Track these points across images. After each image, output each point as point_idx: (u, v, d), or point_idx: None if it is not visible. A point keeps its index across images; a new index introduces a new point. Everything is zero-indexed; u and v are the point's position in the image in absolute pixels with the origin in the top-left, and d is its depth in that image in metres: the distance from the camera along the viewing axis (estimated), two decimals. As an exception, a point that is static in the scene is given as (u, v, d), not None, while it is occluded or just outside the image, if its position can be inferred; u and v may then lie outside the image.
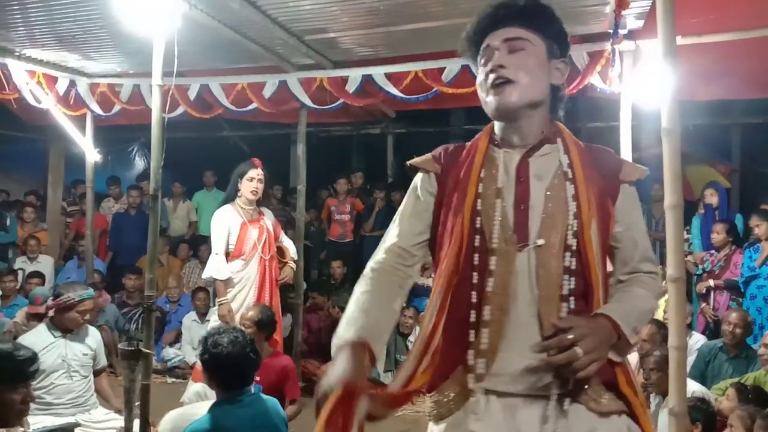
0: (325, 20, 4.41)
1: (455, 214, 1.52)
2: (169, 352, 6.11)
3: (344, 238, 7.50)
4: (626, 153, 4.20)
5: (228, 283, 4.50)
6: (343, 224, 7.50)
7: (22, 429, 3.00)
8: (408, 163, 1.69)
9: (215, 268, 4.47)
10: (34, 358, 2.55)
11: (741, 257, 5.41)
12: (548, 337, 1.35)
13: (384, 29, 4.54)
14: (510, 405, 1.43)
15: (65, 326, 3.71)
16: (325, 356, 5.80)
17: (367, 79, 5.15)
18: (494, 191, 1.50)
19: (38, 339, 3.59)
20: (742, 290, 5.30)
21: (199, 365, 3.79)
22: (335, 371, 1.33)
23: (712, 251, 5.64)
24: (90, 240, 6.64)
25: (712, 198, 6.05)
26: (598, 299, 1.45)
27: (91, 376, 3.82)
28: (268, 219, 4.72)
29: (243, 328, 3.55)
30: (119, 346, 3.81)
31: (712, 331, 5.32)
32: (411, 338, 5.48)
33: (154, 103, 3.69)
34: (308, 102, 5.44)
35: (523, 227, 1.46)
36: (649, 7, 3.92)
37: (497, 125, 1.57)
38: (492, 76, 1.48)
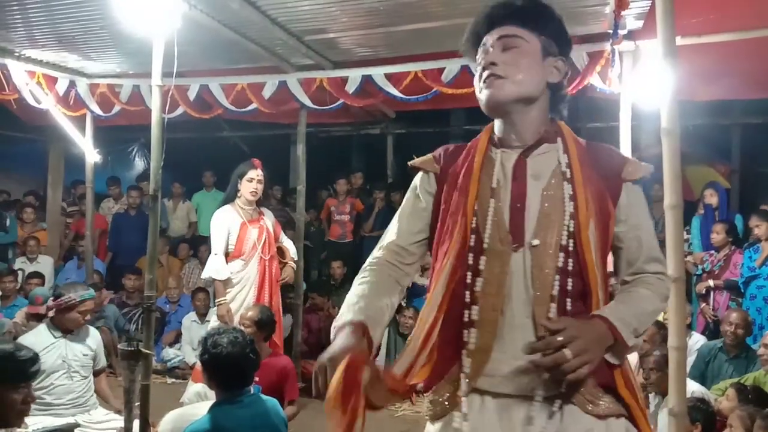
0: (324, 21, 4.41)
1: (454, 213, 1.52)
2: (169, 353, 6.11)
3: (344, 239, 7.50)
4: (626, 153, 4.20)
5: (227, 283, 4.50)
6: (342, 224, 7.51)
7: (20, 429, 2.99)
8: (409, 163, 1.70)
9: (214, 268, 4.48)
10: (35, 358, 2.55)
11: (740, 257, 5.41)
12: (540, 338, 1.34)
13: (384, 29, 4.54)
14: (504, 406, 1.43)
15: (66, 327, 3.71)
16: (325, 357, 5.81)
17: (367, 80, 5.15)
18: (489, 191, 1.50)
19: (38, 339, 3.59)
20: (742, 290, 5.30)
21: (198, 365, 3.80)
22: (335, 346, 1.36)
23: (712, 251, 5.64)
24: (90, 240, 6.64)
25: (711, 198, 6.05)
26: (598, 300, 1.44)
27: (91, 377, 3.82)
28: (268, 219, 4.72)
29: (242, 328, 3.56)
30: (119, 346, 3.81)
31: (712, 331, 5.32)
32: (411, 339, 5.47)
33: (154, 103, 3.69)
34: (308, 102, 5.44)
35: (519, 227, 1.46)
36: (648, 8, 3.92)
37: (496, 125, 1.58)
38: (485, 73, 1.50)
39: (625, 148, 4.23)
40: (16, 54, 5.37)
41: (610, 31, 3.99)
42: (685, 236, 5.96)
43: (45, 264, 7.06)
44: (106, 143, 7.23)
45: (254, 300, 4.49)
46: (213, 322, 4.54)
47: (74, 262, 7.44)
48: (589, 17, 4.17)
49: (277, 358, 4.20)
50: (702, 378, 4.44)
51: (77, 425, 3.57)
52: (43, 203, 8.27)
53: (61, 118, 5.90)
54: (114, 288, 6.89)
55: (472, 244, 1.48)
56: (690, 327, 5.01)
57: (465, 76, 4.69)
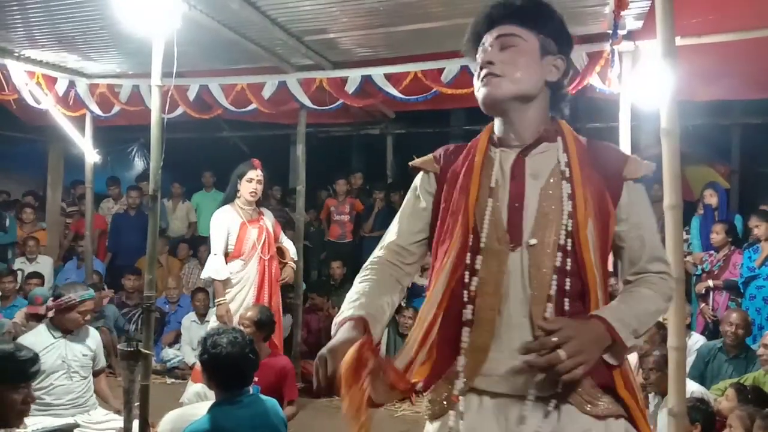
0: (324, 21, 4.41)
1: (455, 213, 1.53)
2: (169, 353, 6.11)
3: (344, 239, 7.50)
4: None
5: (227, 283, 4.50)
6: (342, 225, 7.51)
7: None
8: (410, 164, 1.70)
9: (214, 268, 4.48)
10: (35, 358, 2.55)
11: (740, 257, 5.41)
12: (537, 338, 1.34)
13: (383, 30, 4.54)
14: (502, 406, 1.43)
15: (65, 327, 3.71)
16: (325, 357, 5.81)
17: (367, 80, 5.15)
18: (487, 190, 1.50)
19: (38, 339, 3.58)
20: (742, 291, 5.30)
21: (198, 366, 3.79)
22: (335, 339, 1.37)
23: (712, 252, 5.64)
24: (89, 240, 6.64)
25: (711, 198, 6.05)
26: (597, 300, 1.44)
27: (91, 377, 3.82)
28: (268, 219, 4.72)
29: (242, 329, 3.56)
30: (118, 346, 3.81)
31: (711, 331, 5.32)
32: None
33: (154, 103, 3.69)
34: (308, 102, 5.44)
35: (517, 226, 1.46)
36: (648, 8, 3.92)
37: (496, 124, 1.58)
38: (482, 72, 1.51)
39: (625, 149, 4.23)
40: (16, 54, 5.37)
41: (610, 32, 3.99)
42: (685, 236, 5.97)
43: (44, 264, 7.06)
44: (106, 143, 7.23)
45: (254, 300, 4.49)
46: (213, 322, 4.54)
47: (74, 263, 7.44)
48: (589, 17, 4.17)
49: (276, 359, 4.20)
50: (701, 378, 4.44)
51: (77, 425, 3.56)
52: (43, 203, 8.27)
53: (60, 118, 5.90)
54: (114, 288, 6.88)
55: (470, 243, 1.48)
56: (689, 327, 5.01)
57: (465, 76, 4.69)
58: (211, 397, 2.99)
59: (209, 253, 4.61)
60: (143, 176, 7.95)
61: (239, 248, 4.52)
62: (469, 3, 3.87)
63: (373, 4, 4.06)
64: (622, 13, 3.67)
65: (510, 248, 1.45)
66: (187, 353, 5.89)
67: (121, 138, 9.58)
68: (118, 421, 3.59)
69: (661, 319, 4.01)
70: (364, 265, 1.65)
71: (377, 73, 5.08)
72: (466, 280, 1.46)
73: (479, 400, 1.45)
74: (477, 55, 1.56)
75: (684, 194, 2.65)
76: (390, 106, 6.86)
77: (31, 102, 5.66)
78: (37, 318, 4.30)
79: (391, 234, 1.66)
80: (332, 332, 1.44)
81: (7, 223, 7.24)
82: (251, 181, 4.56)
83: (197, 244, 7.41)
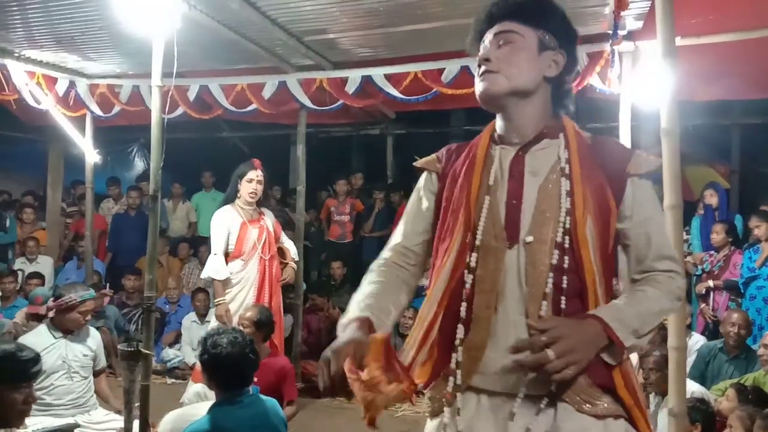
0: (324, 21, 4.42)
1: (455, 211, 1.53)
2: (169, 353, 6.11)
3: (344, 239, 7.50)
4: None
5: (227, 283, 4.50)
6: (342, 225, 7.51)
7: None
8: (414, 164, 1.71)
9: (214, 268, 4.48)
10: (36, 358, 2.55)
11: (740, 258, 5.41)
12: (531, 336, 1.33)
13: (383, 30, 4.54)
14: (498, 404, 1.43)
15: (66, 327, 3.71)
16: (325, 357, 5.82)
17: (367, 80, 5.15)
18: (486, 188, 1.50)
19: (39, 340, 3.58)
20: (742, 291, 5.30)
21: (198, 366, 3.79)
22: (339, 339, 1.38)
23: (712, 252, 5.64)
24: (89, 241, 6.64)
25: (711, 198, 6.05)
26: (596, 298, 1.42)
27: (91, 377, 3.82)
28: (269, 219, 4.72)
29: (241, 329, 3.56)
30: (119, 346, 3.81)
31: (712, 331, 5.33)
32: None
33: (154, 103, 3.69)
34: (308, 103, 5.44)
35: (515, 224, 1.45)
36: (648, 8, 3.92)
37: (497, 122, 1.58)
38: (480, 69, 1.51)
39: (626, 148, 4.23)
40: (16, 54, 5.37)
41: (610, 32, 3.99)
42: (685, 236, 5.97)
43: (45, 264, 7.06)
44: (106, 143, 7.23)
45: (254, 300, 4.48)
46: (213, 322, 4.54)
47: (74, 263, 7.44)
48: (589, 18, 4.17)
49: (275, 359, 4.20)
50: (702, 378, 4.44)
51: (77, 425, 3.56)
52: (43, 203, 8.27)
53: (60, 118, 5.90)
54: (114, 288, 6.88)
55: (467, 240, 1.48)
56: (690, 327, 5.01)
57: (465, 76, 4.69)
58: (212, 397, 2.99)
59: (209, 253, 4.61)
60: (143, 176, 7.95)
61: (239, 248, 4.52)
62: (469, 3, 3.87)
63: (373, 4, 4.06)
64: (622, 13, 3.67)
65: (507, 246, 1.45)
66: (188, 353, 5.89)
67: (121, 138, 9.58)
68: (119, 421, 3.59)
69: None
70: (370, 266, 1.65)
71: (377, 73, 5.08)
72: (465, 278, 1.46)
73: (477, 398, 1.45)
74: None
75: (684, 194, 2.65)
76: (390, 106, 6.86)
77: (31, 102, 5.66)
78: (38, 318, 4.31)
79: (396, 235, 1.67)
80: (338, 332, 1.44)
81: (8, 223, 7.23)
82: (251, 182, 4.57)
83: (197, 245, 7.42)
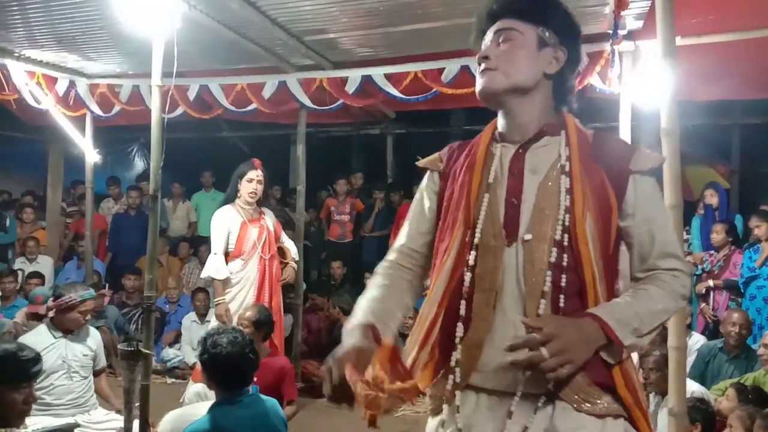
0: (324, 21, 4.42)
1: (455, 210, 1.52)
2: (169, 353, 6.11)
3: (344, 239, 7.50)
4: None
5: (227, 282, 4.50)
6: (342, 225, 7.51)
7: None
8: (416, 163, 1.71)
9: (213, 267, 4.48)
10: (37, 358, 2.55)
11: (740, 257, 5.41)
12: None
13: (383, 30, 4.54)
14: (496, 402, 1.42)
15: (66, 327, 3.71)
16: (325, 357, 5.81)
17: (367, 80, 5.15)
18: (485, 186, 1.50)
19: (39, 339, 3.58)
20: (742, 291, 5.31)
21: (198, 366, 3.80)
22: (342, 346, 1.38)
23: (712, 251, 5.64)
24: (89, 240, 6.64)
25: (712, 198, 6.06)
26: (596, 297, 1.40)
27: (91, 377, 3.82)
28: (269, 219, 4.72)
29: (241, 329, 3.56)
30: (119, 346, 3.81)
31: (712, 331, 5.33)
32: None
33: (154, 103, 3.69)
34: (308, 102, 5.44)
35: (514, 222, 1.44)
36: (648, 8, 3.92)
37: (498, 119, 1.57)
38: (480, 67, 1.51)
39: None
40: (16, 54, 5.37)
41: (610, 32, 3.99)
42: (685, 236, 5.98)
43: (45, 264, 7.06)
44: (106, 143, 7.22)
45: (254, 300, 4.48)
46: (213, 322, 4.54)
47: (74, 263, 7.44)
48: (589, 17, 4.17)
49: (275, 359, 4.19)
50: (702, 378, 4.44)
51: (77, 425, 3.56)
52: (43, 203, 8.27)
53: (60, 118, 5.90)
54: (114, 288, 6.89)
55: (467, 239, 1.48)
56: (690, 327, 5.01)
57: (465, 76, 4.69)
58: (212, 397, 2.99)
59: (209, 252, 4.61)
60: (143, 176, 7.95)
61: (239, 248, 4.52)
62: (469, 3, 3.87)
63: (373, 4, 4.06)
64: (622, 13, 3.67)
65: (506, 244, 1.44)
66: (188, 353, 5.89)
67: (121, 138, 9.58)
68: (119, 421, 3.59)
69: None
70: (376, 268, 1.66)
71: (377, 73, 5.08)
72: (465, 276, 1.46)
73: (476, 397, 1.45)
74: None
75: (684, 194, 2.65)
76: (390, 106, 6.86)
77: (31, 102, 5.66)
78: (38, 317, 4.31)
79: (401, 236, 1.67)
80: (342, 338, 1.44)
81: (8, 223, 7.24)
82: (251, 182, 4.56)
83: (197, 244, 7.42)
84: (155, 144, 3.63)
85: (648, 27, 4.07)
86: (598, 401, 1.38)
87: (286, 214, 7.01)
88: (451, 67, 4.82)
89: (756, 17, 3.99)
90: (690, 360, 4.42)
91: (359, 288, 6.69)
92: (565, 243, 1.40)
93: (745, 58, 4.54)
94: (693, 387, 3.71)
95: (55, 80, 5.85)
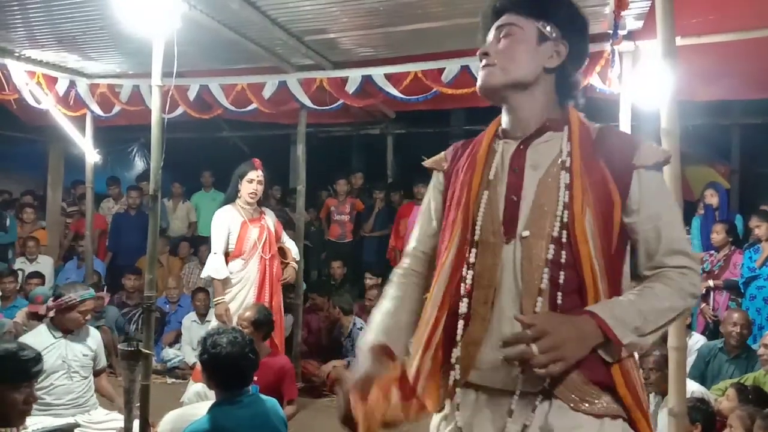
0: (324, 21, 4.42)
1: (455, 207, 1.52)
2: (169, 353, 6.11)
3: (344, 239, 7.50)
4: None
5: (227, 282, 4.50)
6: (342, 224, 7.51)
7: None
8: (423, 163, 1.72)
9: (213, 267, 4.48)
10: (38, 358, 2.55)
11: (740, 257, 5.41)
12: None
13: (384, 30, 4.54)
14: (494, 400, 1.42)
15: (66, 327, 3.70)
16: (325, 357, 5.84)
17: (367, 80, 5.15)
18: (485, 183, 1.49)
19: (39, 339, 3.58)
20: (742, 291, 5.31)
21: (198, 365, 3.80)
22: (355, 372, 1.42)
23: (712, 251, 5.64)
24: (89, 240, 6.64)
25: (712, 198, 6.06)
26: (597, 294, 1.37)
27: (91, 377, 3.81)
28: (270, 218, 4.72)
29: (240, 329, 3.56)
30: (119, 346, 3.81)
31: (712, 331, 5.33)
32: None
33: (154, 103, 3.69)
34: (308, 102, 5.44)
35: (513, 219, 1.43)
36: (648, 8, 3.92)
37: (502, 116, 1.56)
38: (481, 64, 1.52)
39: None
40: (16, 54, 5.37)
41: (610, 32, 3.99)
42: (685, 236, 5.96)
43: (45, 264, 7.06)
44: (106, 143, 7.23)
45: (254, 299, 4.48)
46: (213, 322, 4.54)
47: (74, 262, 7.44)
48: (589, 17, 4.09)
49: (275, 358, 4.19)
50: (702, 378, 4.44)
51: (77, 425, 3.57)
52: (43, 203, 8.27)
53: (61, 118, 5.90)
54: (114, 288, 6.89)
55: (467, 237, 1.47)
56: (690, 327, 5.01)
57: (465, 76, 4.69)
58: (212, 396, 2.99)
59: (210, 252, 4.61)
60: (143, 176, 7.95)
61: (240, 247, 4.52)
62: (469, 3, 3.87)
63: (373, 4, 4.06)
64: (622, 13, 3.68)
65: (504, 241, 1.43)
66: (188, 353, 5.89)
67: (121, 138, 9.59)
68: (119, 421, 3.59)
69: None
70: (391, 275, 1.68)
71: (377, 73, 5.08)
72: (464, 273, 1.46)
73: (476, 395, 1.44)
74: None
75: (684, 194, 2.66)
76: (390, 106, 6.86)
77: (31, 102, 5.66)
78: (38, 317, 4.31)
79: (412, 239, 1.68)
80: (357, 356, 1.48)
81: (8, 222, 7.24)
82: (252, 182, 4.56)
83: (198, 244, 7.42)
84: (155, 144, 3.63)
85: (648, 27, 4.07)
86: (596, 401, 1.36)
87: (286, 214, 7.01)
88: (451, 67, 4.82)
89: (756, 17, 3.99)
90: (690, 360, 4.42)
91: (359, 288, 6.73)
92: (564, 239, 1.38)
93: (745, 58, 4.54)
94: (693, 387, 3.71)
95: (55, 80, 5.85)
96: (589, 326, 1.31)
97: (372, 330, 1.54)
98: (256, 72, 5.51)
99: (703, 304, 5.53)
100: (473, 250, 1.45)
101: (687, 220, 5.87)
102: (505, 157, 1.50)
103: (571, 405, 1.35)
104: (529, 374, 1.32)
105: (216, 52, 5.14)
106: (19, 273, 6.47)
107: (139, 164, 10.84)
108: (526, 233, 1.41)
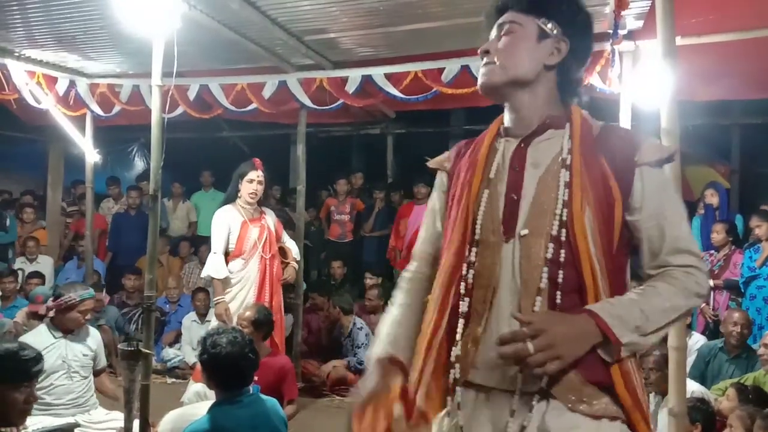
0: (324, 21, 4.42)
1: (456, 206, 1.52)
2: (169, 353, 6.11)
3: (344, 238, 7.50)
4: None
5: (227, 282, 4.50)
6: (342, 224, 7.51)
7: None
8: (427, 164, 1.72)
9: (213, 267, 4.48)
10: (38, 358, 2.55)
11: (740, 257, 5.42)
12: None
13: (383, 30, 4.54)
14: (493, 399, 1.41)
15: (66, 327, 3.70)
16: (325, 356, 5.85)
17: (367, 80, 5.15)
18: (486, 181, 1.48)
19: (39, 339, 3.57)
20: (742, 290, 5.31)
21: (199, 365, 3.80)
22: (363, 388, 1.43)
23: (712, 251, 5.64)
24: (89, 240, 6.64)
25: (712, 198, 6.06)
26: (597, 293, 1.35)
27: (91, 377, 3.81)
28: (270, 218, 4.72)
29: (240, 328, 3.56)
30: (119, 346, 3.81)
31: (712, 331, 5.33)
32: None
33: (154, 103, 3.69)
34: (308, 102, 5.44)
35: (513, 217, 1.43)
36: (648, 8, 3.92)
37: (504, 114, 1.56)
38: (482, 62, 1.52)
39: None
40: (16, 54, 5.37)
41: (610, 31, 3.99)
42: (685, 236, 5.96)
43: (45, 264, 7.07)
44: (106, 143, 7.23)
45: (255, 299, 4.48)
46: (213, 322, 4.54)
47: (74, 262, 7.44)
48: (589, 17, 4.16)
49: (275, 358, 4.19)
50: (702, 378, 4.44)
51: (77, 425, 3.57)
52: (43, 203, 8.27)
53: (61, 118, 5.90)
54: (114, 288, 6.89)
55: (467, 236, 1.47)
56: (690, 327, 5.01)
57: (465, 76, 4.69)
58: (212, 396, 2.99)
59: (210, 252, 4.61)
60: (143, 176, 7.95)
61: (240, 247, 4.52)
62: (469, 3, 3.87)
63: (373, 4, 4.06)
64: (623, 12, 3.67)
65: (503, 239, 1.42)
66: (188, 353, 5.89)
67: (121, 138, 9.58)
68: (119, 421, 3.59)
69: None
70: (400, 278, 1.68)
71: (377, 72, 5.08)
72: (463, 273, 1.45)
73: (475, 395, 1.44)
74: None
75: (684, 194, 2.65)
76: (390, 105, 6.86)
77: (31, 102, 5.66)
78: (39, 317, 4.30)
79: (419, 240, 1.68)
80: (366, 366, 1.49)
81: (8, 222, 7.24)
82: (252, 182, 4.56)
83: (198, 244, 7.42)
84: (155, 144, 3.63)
85: (648, 27, 4.07)
86: (595, 401, 1.34)
87: (286, 214, 7.01)
88: (451, 67, 4.82)
89: (756, 17, 3.99)
90: (690, 360, 4.42)
91: (359, 288, 6.73)
92: (563, 238, 1.37)
93: (745, 58, 4.54)
94: (693, 387, 3.71)
95: (55, 80, 5.85)
96: (588, 325, 1.29)
97: (380, 341, 1.54)
98: (256, 72, 5.50)
99: (703, 304, 5.52)
100: (473, 249, 1.45)
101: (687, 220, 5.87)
102: (506, 155, 1.50)
103: (569, 405, 1.34)
104: (527, 373, 1.31)
105: (216, 52, 5.14)
106: (19, 273, 6.48)
107: (139, 164, 10.84)
108: (525, 232, 1.40)
